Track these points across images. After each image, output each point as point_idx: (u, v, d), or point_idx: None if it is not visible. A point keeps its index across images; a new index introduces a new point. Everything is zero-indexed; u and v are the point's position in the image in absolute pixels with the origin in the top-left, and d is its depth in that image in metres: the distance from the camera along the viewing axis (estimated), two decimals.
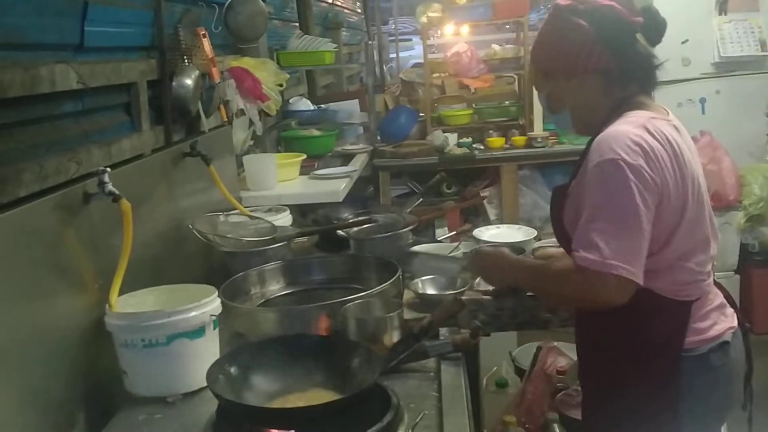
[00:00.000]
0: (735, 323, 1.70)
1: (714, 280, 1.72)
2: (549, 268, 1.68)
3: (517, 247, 2.42)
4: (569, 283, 1.54)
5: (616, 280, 1.47)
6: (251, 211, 2.62)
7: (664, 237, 1.56)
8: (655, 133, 1.56)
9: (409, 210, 2.73)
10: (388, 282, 1.96)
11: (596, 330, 1.72)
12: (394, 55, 8.58)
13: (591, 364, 1.78)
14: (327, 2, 5.85)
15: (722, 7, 4.40)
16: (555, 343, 2.81)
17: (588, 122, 1.71)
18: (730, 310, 1.72)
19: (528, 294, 1.96)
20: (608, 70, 1.65)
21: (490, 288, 1.90)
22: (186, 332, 1.63)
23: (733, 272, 4.23)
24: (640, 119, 1.59)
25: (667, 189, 1.53)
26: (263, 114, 3.33)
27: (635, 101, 1.67)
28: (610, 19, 1.64)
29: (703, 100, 4.45)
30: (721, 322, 1.67)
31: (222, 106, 2.83)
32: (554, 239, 1.94)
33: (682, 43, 4.30)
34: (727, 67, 4.44)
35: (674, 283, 1.61)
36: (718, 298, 1.71)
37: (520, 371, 2.85)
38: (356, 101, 5.03)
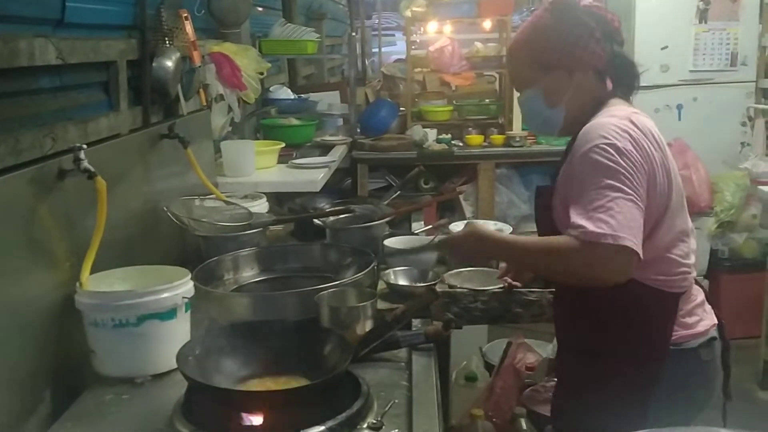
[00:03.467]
0: (715, 320, 1.74)
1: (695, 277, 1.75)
2: (551, 245, 1.58)
3: None
4: (577, 258, 1.49)
5: (625, 252, 1.45)
6: (227, 197, 2.61)
7: (651, 224, 1.58)
8: (638, 125, 1.59)
9: (386, 202, 2.74)
10: (363, 272, 1.96)
11: (584, 321, 1.72)
12: (376, 50, 8.57)
13: (573, 355, 1.78)
14: None
15: (702, 15, 4.45)
16: (525, 340, 2.83)
17: (576, 119, 1.70)
18: (709, 307, 1.75)
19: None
20: (603, 69, 1.69)
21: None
22: (157, 313, 1.62)
23: (702, 277, 4.29)
24: (623, 112, 1.63)
25: (654, 175, 1.56)
26: (242, 101, 3.32)
27: (616, 101, 1.70)
28: (603, 20, 1.69)
29: (680, 107, 4.51)
30: (705, 317, 1.70)
31: (202, 90, 2.81)
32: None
33: (662, 49, 4.35)
34: (703, 75, 4.51)
35: (661, 273, 1.62)
36: (700, 294, 1.74)
37: (489, 366, 2.87)
38: (337, 93, 5.01)
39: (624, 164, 1.50)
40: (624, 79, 1.72)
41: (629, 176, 1.50)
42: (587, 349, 1.72)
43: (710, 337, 1.68)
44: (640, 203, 1.50)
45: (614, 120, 1.59)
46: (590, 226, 1.46)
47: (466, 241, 1.76)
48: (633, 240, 1.45)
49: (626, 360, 1.65)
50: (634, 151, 1.53)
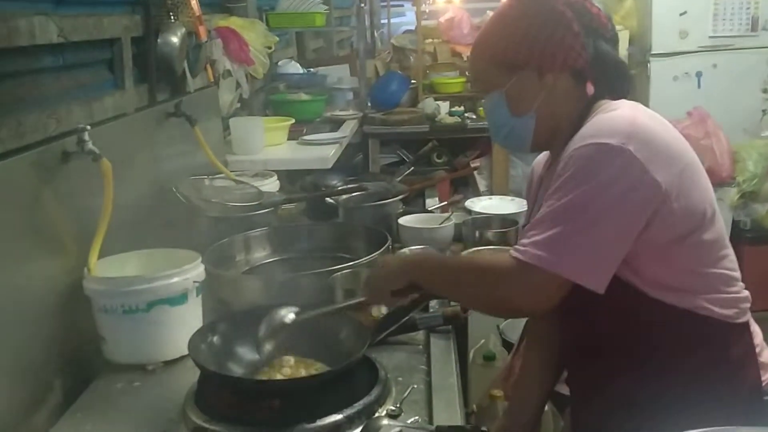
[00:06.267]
0: None
1: None
2: (477, 264, 1.43)
3: (509, 219, 2.38)
4: (507, 282, 1.28)
5: (558, 281, 1.23)
6: (237, 175, 2.56)
7: (683, 237, 1.32)
8: (649, 117, 1.34)
9: (399, 179, 2.69)
10: (377, 252, 1.91)
11: (663, 377, 1.37)
12: (385, 21, 8.47)
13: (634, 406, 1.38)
14: None
15: None
16: None
17: (551, 131, 1.44)
18: None
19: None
20: (584, 71, 1.40)
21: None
22: (167, 299, 1.58)
23: None
24: (625, 105, 1.38)
25: (677, 180, 1.28)
26: (250, 76, 3.26)
27: (608, 102, 1.42)
28: (588, 15, 1.41)
29: (699, 74, 4.38)
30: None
31: (209, 66, 2.76)
32: None
33: (680, 14, 4.23)
34: (723, 41, 4.39)
35: (721, 299, 1.35)
36: (755, 324, 1.44)
37: (507, 344, 2.82)
38: (346, 66, 4.95)
39: (617, 173, 1.23)
40: (611, 82, 1.43)
41: (616, 189, 1.24)
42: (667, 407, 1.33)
43: None
44: (622, 228, 1.25)
45: (617, 114, 1.33)
46: (532, 248, 1.24)
47: (378, 275, 1.49)
48: (563, 265, 1.23)
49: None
50: (639, 156, 1.24)
